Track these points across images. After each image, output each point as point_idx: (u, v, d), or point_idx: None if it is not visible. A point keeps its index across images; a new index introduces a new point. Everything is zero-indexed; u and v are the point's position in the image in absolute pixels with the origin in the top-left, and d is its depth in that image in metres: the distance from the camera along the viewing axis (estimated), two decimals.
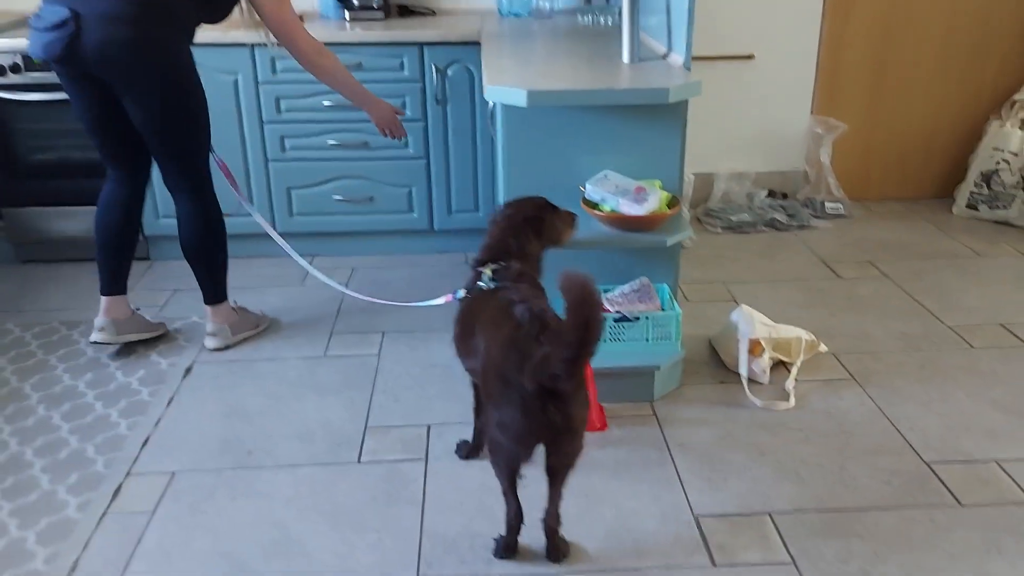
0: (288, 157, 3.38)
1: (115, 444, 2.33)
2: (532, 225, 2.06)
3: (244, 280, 3.35)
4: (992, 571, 1.84)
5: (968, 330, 2.89)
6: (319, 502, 2.10)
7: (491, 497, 2.09)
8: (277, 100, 3.30)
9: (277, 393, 2.58)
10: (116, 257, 2.76)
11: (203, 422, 2.44)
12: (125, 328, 2.79)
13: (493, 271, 1.96)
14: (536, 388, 1.64)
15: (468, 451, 2.26)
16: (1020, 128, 3.78)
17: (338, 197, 3.44)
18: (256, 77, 3.27)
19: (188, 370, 2.71)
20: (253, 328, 2.92)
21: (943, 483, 2.12)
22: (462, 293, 2.02)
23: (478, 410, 2.18)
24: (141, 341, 2.83)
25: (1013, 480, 2.12)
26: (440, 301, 2.23)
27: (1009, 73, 4.00)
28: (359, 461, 2.25)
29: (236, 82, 3.27)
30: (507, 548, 1.92)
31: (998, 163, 3.82)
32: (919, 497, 2.07)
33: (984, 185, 3.87)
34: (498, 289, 1.92)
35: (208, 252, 2.78)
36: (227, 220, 3.41)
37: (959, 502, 2.05)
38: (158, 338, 2.88)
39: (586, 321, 1.53)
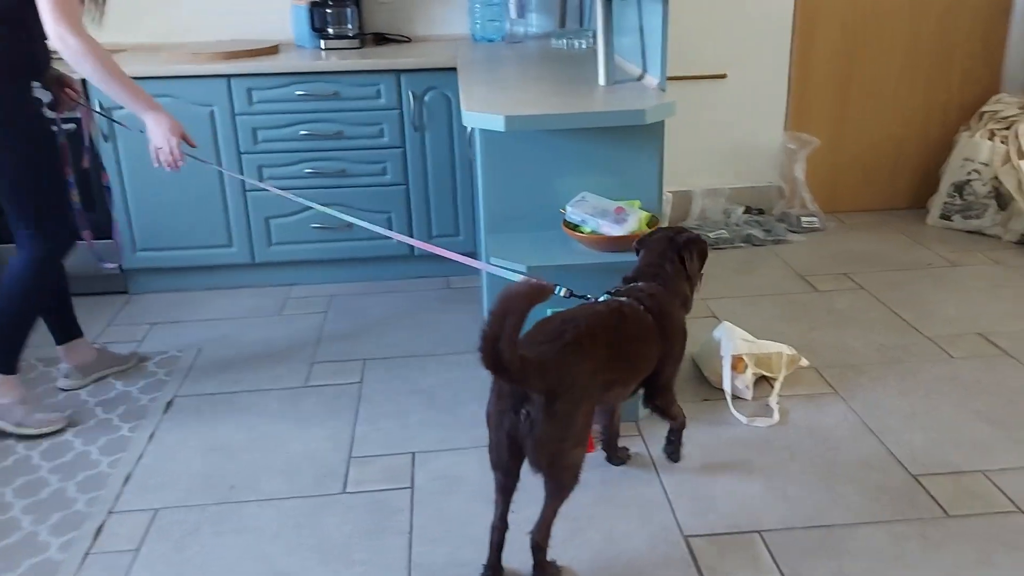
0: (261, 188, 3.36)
1: (97, 482, 2.29)
2: (674, 248, 2.12)
3: (222, 311, 3.32)
4: None
5: (947, 340, 2.91)
6: (305, 535, 2.07)
7: (477, 525, 2.07)
8: (254, 131, 3.29)
9: (259, 426, 2.55)
10: (52, 311, 2.69)
11: (185, 457, 2.40)
12: (93, 369, 2.77)
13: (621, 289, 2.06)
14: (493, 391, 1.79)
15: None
16: (989, 139, 3.84)
17: (316, 225, 3.42)
18: (232, 108, 3.25)
19: (169, 405, 2.67)
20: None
21: (932, 497, 2.12)
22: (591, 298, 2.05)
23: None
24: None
25: (1001, 491, 2.13)
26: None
27: (971, 85, 4.07)
28: (344, 492, 2.22)
29: (212, 114, 3.26)
30: (489, 567, 1.90)
31: (969, 174, 3.87)
32: (909, 512, 2.07)
33: (957, 196, 3.92)
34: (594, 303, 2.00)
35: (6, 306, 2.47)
36: (205, 252, 3.42)
37: (948, 515, 2.05)
38: (133, 367, 2.87)
39: (505, 297, 1.58)
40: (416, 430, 2.49)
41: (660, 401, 2.16)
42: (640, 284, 2.07)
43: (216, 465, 2.36)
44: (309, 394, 2.71)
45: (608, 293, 2.05)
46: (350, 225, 3.43)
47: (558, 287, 2.04)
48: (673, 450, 2.30)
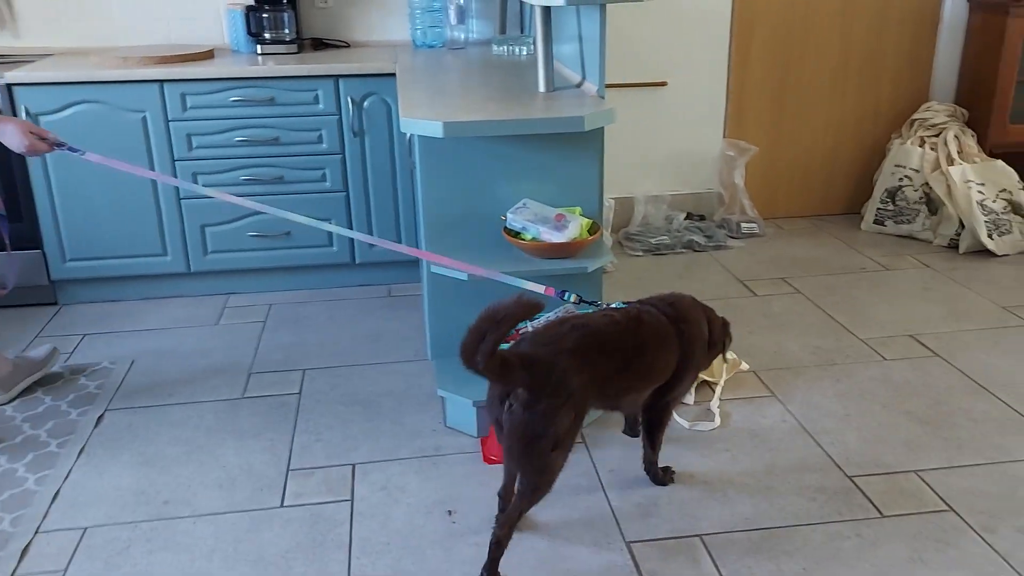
0: (201, 194, 3.29)
1: (23, 501, 2.20)
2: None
3: (157, 322, 3.24)
4: None
5: (880, 342, 2.98)
6: (242, 551, 2.02)
7: (420, 537, 2.05)
8: (188, 137, 3.21)
9: (194, 439, 2.48)
10: None
11: (116, 473, 2.32)
12: (12, 381, 2.67)
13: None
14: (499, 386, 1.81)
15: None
16: (920, 146, 3.96)
17: (253, 233, 3.35)
18: (165, 114, 3.18)
19: (99, 419, 2.59)
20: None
21: (866, 496, 2.16)
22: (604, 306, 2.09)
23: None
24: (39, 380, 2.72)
25: (932, 489, 2.19)
26: (540, 288, 2.13)
27: (902, 94, 4.19)
28: (282, 505, 2.18)
29: (144, 119, 3.17)
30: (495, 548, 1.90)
31: (901, 180, 3.98)
32: (844, 512, 2.11)
33: (890, 201, 4.03)
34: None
35: None
36: (139, 261, 3.32)
37: (883, 515, 2.09)
38: (53, 362, 2.80)
39: (493, 317, 1.65)
40: (357, 441, 2.45)
41: (661, 415, 2.16)
42: (665, 293, 2.12)
43: (149, 480, 2.29)
44: (246, 406, 2.65)
45: (626, 302, 2.09)
46: (288, 232, 3.38)
47: (568, 293, 2.09)
48: (650, 472, 2.24)
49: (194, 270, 3.40)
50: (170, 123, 3.19)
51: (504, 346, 1.84)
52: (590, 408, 1.92)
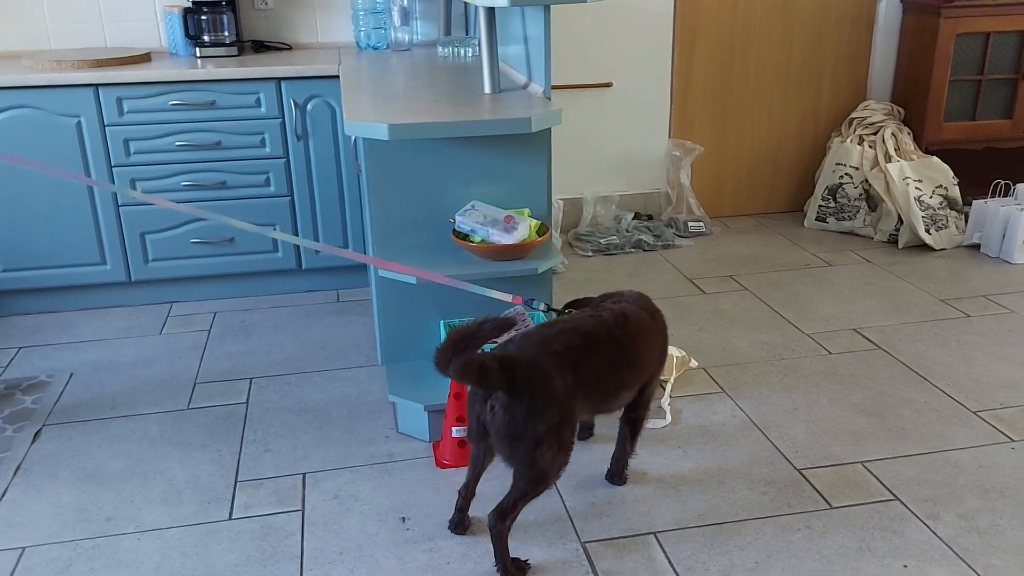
0: (140, 201, 3.21)
1: None
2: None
3: (97, 332, 3.15)
4: (866, 570, 1.91)
5: (825, 337, 3.03)
6: (189, 566, 1.96)
7: (373, 545, 2.02)
8: (126, 142, 3.13)
9: (137, 453, 2.41)
10: None
11: (55, 490, 2.25)
12: None
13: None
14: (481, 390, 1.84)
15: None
16: (859, 144, 4.04)
17: (195, 240, 3.28)
18: (101, 119, 3.09)
19: (37, 435, 2.50)
20: None
21: (815, 488, 2.20)
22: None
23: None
24: None
25: (878, 479, 2.23)
26: (507, 298, 2.15)
27: (840, 94, 4.28)
28: (231, 518, 2.13)
29: (79, 124, 3.08)
30: (452, 521, 2.05)
31: (841, 177, 4.06)
32: (794, 504, 2.14)
33: (831, 199, 4.11)
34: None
35: None
36: (77, 270, 3.23)
37: (831, 506, 2.13)
38: None
39: (471, 331, 1.71)
40: (307, 450, 2.41)
41: (643, 411, 2.19)
42: (621, 291, 2.19)
43: (90, 497, 2.22)
44: (192, 417, 2.59)
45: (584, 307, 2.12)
46: (232, 238, 3.31)
47: (535, 301, 2.12)
48: (620, 470, 2.23)
49: (135, 279, 3.31)
50: (106, 128, 3.10)
51: (489, 346, 1.85)
52: (583, 410, 1.93)
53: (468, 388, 1.90)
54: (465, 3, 3.67)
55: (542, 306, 2.13)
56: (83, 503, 2.20)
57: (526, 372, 1.80)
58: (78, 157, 3.11)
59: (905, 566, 1.92)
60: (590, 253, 3.90)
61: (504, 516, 1.87)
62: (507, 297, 2.13)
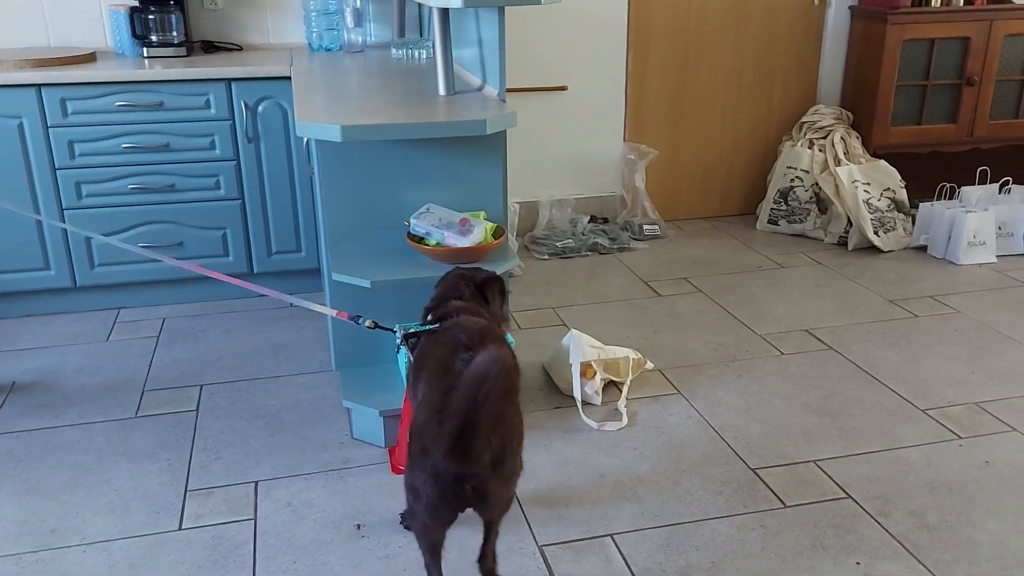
0: (86, 205, 3.12)
1: None
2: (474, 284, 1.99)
3: (40, 340, 3.06)
4: (820, 568, 1.93)
5: (777, 338, 3.07)
6: None
7: (327, 552, 1.99)
8: (70, 144, 3.05)
9: (83, 463, 2.34)
10: None
11: None
12: None
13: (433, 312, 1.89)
14: (445, 461, 1.49)
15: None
16: (809, 147, 4.11)
17: (144, 244, 3.20)
18: (44, 120, 3.00)
19: None
20: None
21: (769, 488, 2.22)
22: (400, 333, 1.88)
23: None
24: None
25: (830, 477, 2.26)
26: (332, 312, 2.01)
27: (790, 98, 4.35)
28: (180, 528, 2.08)
29: (21, 126, 2.99)
30: None
31: (792, 181, 4.12)
32: (749, 504, 2.15)
33: (782, 201, 4.17)
34: (448, 328, 1.77)
35: None
36: (19, 276, 3.14)
37: (785, 505, 2.15)
38: None
39: (473, 379, 1.42)
40: (259, 457, 2.37)
41: None
42: (460, 305, 1.90)
43: (33, 509, 2.15)
44: (140, 425, 2.53)
45: (434, 318, 1.88)
46: (181, 242, 3.24)
47: (361, 318, 1.96)
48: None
49: (80, 284, 3.23)
50: (50, 129, 3.02)
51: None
52: None
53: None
54: (419, 5, 3.65)
55: (368, 323, 1.93)
56: (26, 515, 2.13)
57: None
58: (20, 160, 3.02)
59: (858, 563, 1.94)
60: (546, 256, 3.90)
61: (494, 550, 1.82)
62: (332, 312, 1.99)
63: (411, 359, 1.85)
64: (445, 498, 1.60)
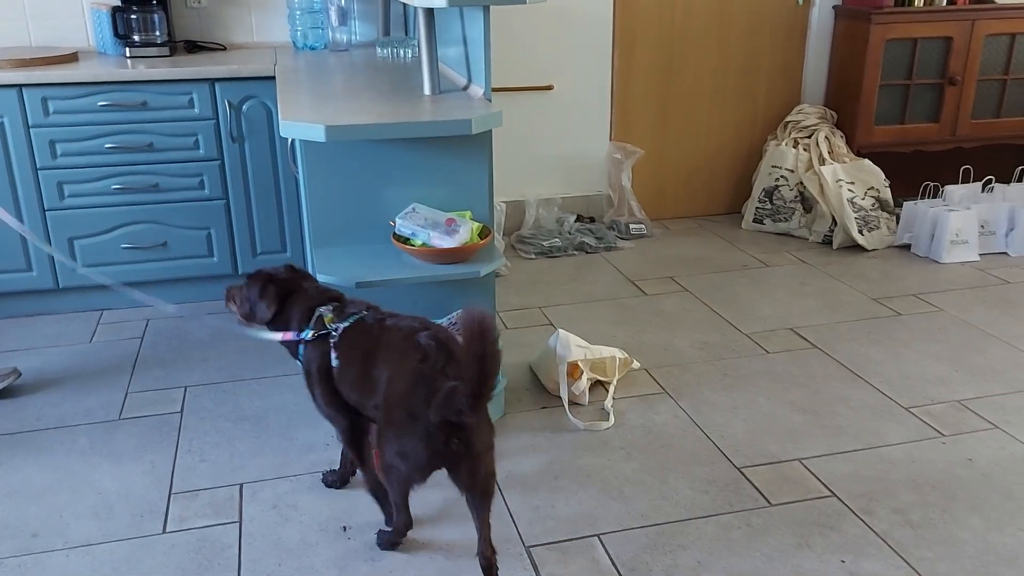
0: (68, 205, 3.10)
1: None
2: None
3: (23, 341, 3.03)
4: (805, 566, 1.94)
5: (763, 336, 3.08)
6: None
7: (313, 555, 1.98)
8: (52, 144, 3.02)
9: (66, 465, 2.33)
10: None
11: None
12: None
13: (334, 307, 1.99)
14: (441, 422, 1.67)
15: (334, 480, 2.22)
16: (794, 147, 4.13)
17: (127, 245, 3.18)
18: (26, 120, 2.98)
19: None
20: None
21: (755, 486, 2.23)
22: (309, 334, 1.97)
23: (353, 442, 2.03)
24: None
25: (815, 476, 2.27)
26: (276, 337, 2.05)
27: (775, 98, 4.37)
28: (164, 531, 2.06)
29: (2, 125, 2.97)
30: (392, 544, 1.97)
31: (777, 180, 4.14)
32: (735, 503, 2.16)
33: (767, 201, 4.19)
34: (382, 319, 1.92)
35: None
36: (1, 277, 3.10)
37: (771, 504, 2.16)
38: None
39: (482, 355, 1.56)
40: (244, 459, 2.36)
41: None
42: (354, 299, 2.04)
43: (15, 512, 2.13)
44: (124, 427, 2.51)
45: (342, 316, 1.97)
46: (165, 243, 3.22)
47: (305, 332, 1.99)
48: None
49: (63, 285, 3.20)
50: (31, 129, 2.99)
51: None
52: None
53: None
54: (404, 4, 3.64)
55: (311, 335, 1.98)
56: (7, 519, 2.11)
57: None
58: (1, 160, 2.99)
59: (843, 561, 1.95)
60: (533, 256, 3.90)
61: (491, 539, 1.88)
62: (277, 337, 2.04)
63: (337, 356, 1.94)
64: (437, 455, 1.73)
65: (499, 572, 1.88)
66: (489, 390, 1.61)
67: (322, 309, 1.98)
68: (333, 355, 1.93)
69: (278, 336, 2.03)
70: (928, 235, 3.84)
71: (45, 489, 2.23)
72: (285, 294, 2.06)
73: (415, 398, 1.71)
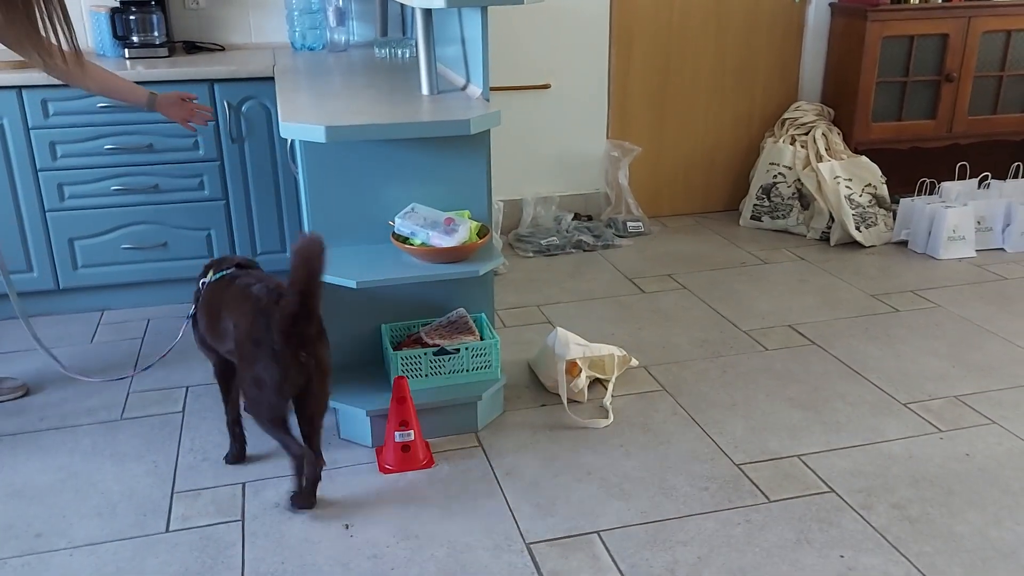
0: (68, 206, 3.11)
1: None
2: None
3: (24, 342, 3.04)
4: (804, 561, 1.96)
5: (761, 333, 3.10)
6: None
7: (316, 552, 1.99)
8: (52, 145, 3.03)
9: (69, 465, 2.34)
10: None
11: None
12: None
13: (216, 269, 2.26)
14: (284, 338, 1.95)
15: (230, 455, 2.37)
16: (791, 144, 4.14)
17: (127, 245, 3.19)
18: (26, 121, 2.99)
19: None
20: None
21: (754, 483, 2.24)
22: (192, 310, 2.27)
23: (221, 376, 2.32)
24: None
25: (814, 472, 2.28)
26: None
27: (772, 95, 4.38)
28: (168, 530, 2.08)
29: (2, 127, 2.98)
30: (307, 496, 2.13)
31: (775, 177, 4.15)
32: (734, 499, 2.18)
33: (765, 198, 4.20)
34: (232, 278, 2.17)
35: None
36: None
37: (770, 500, 2.17)
38: None
39: (304, 258, 1.89)
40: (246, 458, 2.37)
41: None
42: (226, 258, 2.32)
43: (18, 512, 2.14)
44: (126, 427, 2.52)
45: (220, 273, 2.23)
46: (165, 243, 3.23)
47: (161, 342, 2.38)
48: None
49: (64, 286, 3.21)
50: (31, 131, 3.00)
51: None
52: None
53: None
54: (401, 4, 3.65)
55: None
56: (11, 519, 2.12)
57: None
58: (1, 161, 3.00)
59: (842, 556, 1.97)
60: (531, 254, 3.91)
61: (322, 451, 2.17)
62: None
63: (195, 308, 2.27)
64: (288, 372, 1.99)
65: (500, 569, 1.89)
66: (317, 287, 1.91)
67: (203, 279, 2.28)
68: (192, 307, 2.26)
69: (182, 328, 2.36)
70: (925, 231, 3.86)
71: (48, 489, 2.24)
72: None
73: (256, 329, 1.99)
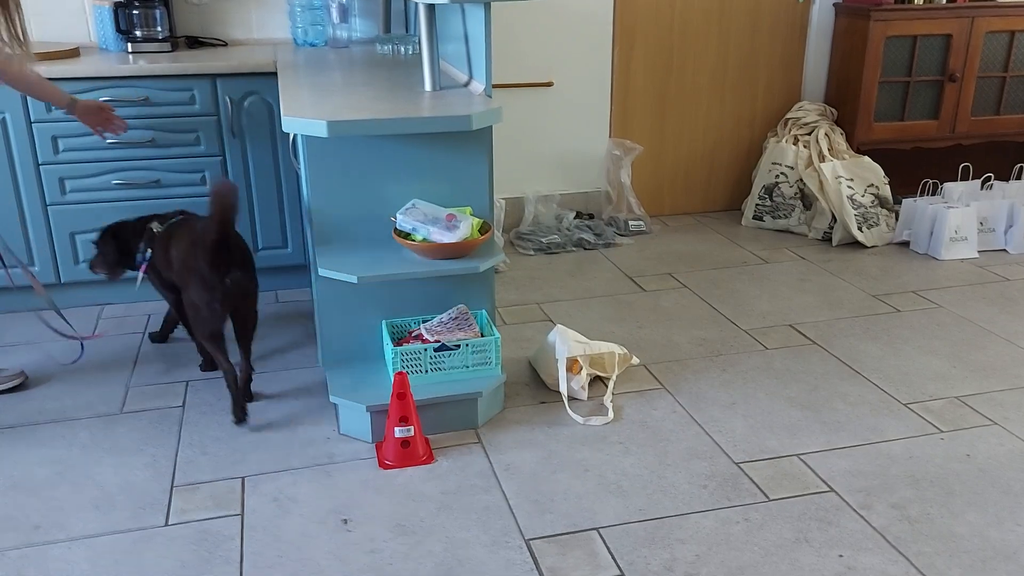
0: (69, 200, 3.11)
1: None
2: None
3: (24, 336, 3.04)
4: (803, 560, 1.95)
5: (761, 332, 3.09)
6: (123, 574, 1.91)
7: (314, 547, 1.99)
8: (54, 139, 3.03)
9: (67, 458, 2.34)
10: None
11: None
12: None
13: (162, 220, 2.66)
14: (209, 266, 2.31)
15: (155, 335, 2.96)
16: (794, 144, 4.13)
17: None
18: (28, 116, 2.99)
19: None
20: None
21: (753, 481, 2.24)
22: (148, 252, 2.64)
23: (179, 310, 2.71)
24: None
25: (813, 471, 2.28)
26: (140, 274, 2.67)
27: (775, 95, 4.37)
28: (167, 524, 2.08)
29: (4, 121, 2.97)
30: (241, 410, 2.48)
31: (777, 177, 4.15)
32: (733, 497, 2.17)
33: (767, 197, 4.19)
34: (186, 219, 2.61)
35: None
36: (2, 272, 3.11)
37: (769, 498, 2.17)
38: None
39: (219, 195, 2.27)
40: (246, 452, 2.37)
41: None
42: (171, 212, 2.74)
43: (17, 505, 2.14)
44: (125, 421, 2.52)
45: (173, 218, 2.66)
46: None
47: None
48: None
49: (64, 280, 3.21)
50: (33, 125, 3.00)
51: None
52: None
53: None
54: (405, 0, 3.64)
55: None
56: (9, 511, 2.12)
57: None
58: (3, 155, 3.00)
59: (840, 555, 1.96)
60: (532, 252, 3.91)
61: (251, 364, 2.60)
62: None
63: (152, 250, 2.64)
64: (216, 294, 2.34)
65: (499, 566, 1.89)
66: (231, 219, 2.29)
67: (152, 224, 2.64)
68: (148, 251, 2.62)
69: (140, 273, 2.67)
70: (927, 232, 3.85)
71: (46, 482, 2.24)
72: (127, 235, 2.70)
73: (191, 259, 2.37)
